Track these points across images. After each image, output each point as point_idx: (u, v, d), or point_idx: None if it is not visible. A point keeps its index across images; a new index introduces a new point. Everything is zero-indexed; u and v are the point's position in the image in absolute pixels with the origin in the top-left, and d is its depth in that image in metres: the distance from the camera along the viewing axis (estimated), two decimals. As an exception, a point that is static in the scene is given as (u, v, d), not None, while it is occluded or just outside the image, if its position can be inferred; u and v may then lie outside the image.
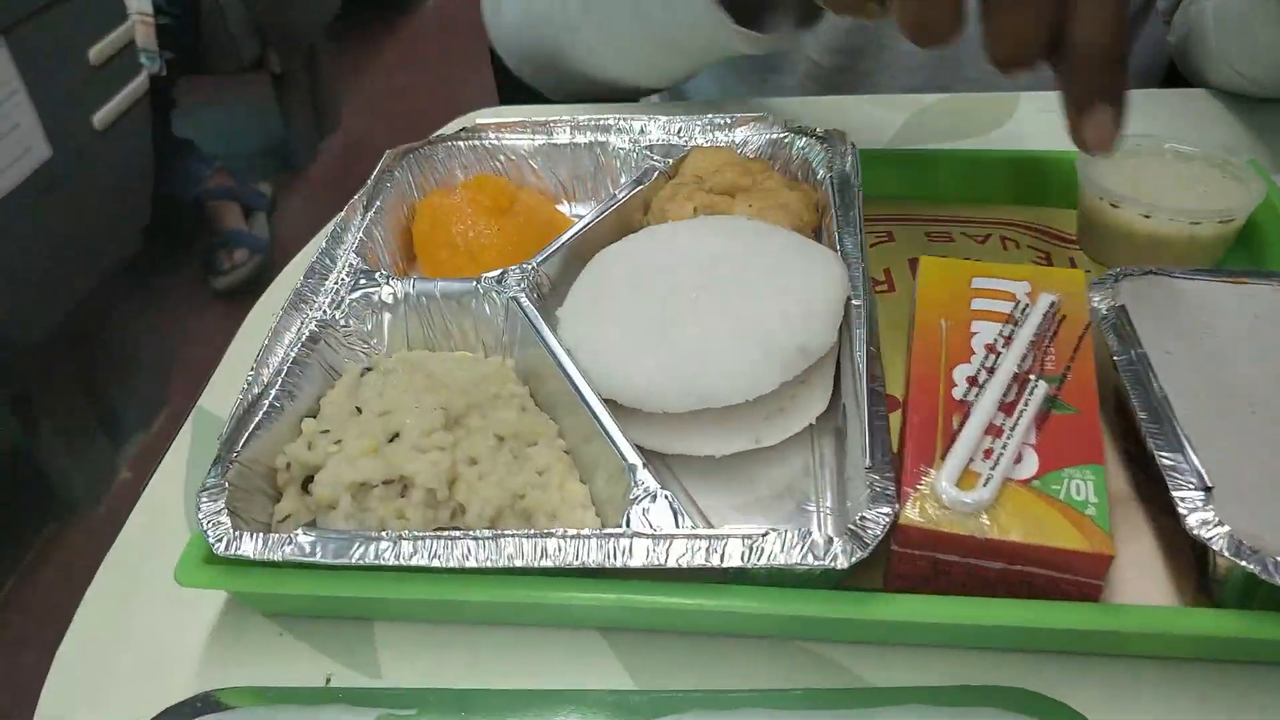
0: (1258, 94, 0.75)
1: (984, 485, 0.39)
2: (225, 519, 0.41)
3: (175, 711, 0.39)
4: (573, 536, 0.39)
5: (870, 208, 0.57)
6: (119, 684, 0.43)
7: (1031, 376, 0.44)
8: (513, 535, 0.39)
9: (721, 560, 0.38)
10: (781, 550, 0.38)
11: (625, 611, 0.41)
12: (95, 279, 1.77)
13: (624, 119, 0.66)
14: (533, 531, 0.39)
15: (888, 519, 0.39)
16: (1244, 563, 0.37)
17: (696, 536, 0.39)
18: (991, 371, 0.44)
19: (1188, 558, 0.43)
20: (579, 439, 0.47)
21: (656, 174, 0.62)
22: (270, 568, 0.41)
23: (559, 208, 0.67)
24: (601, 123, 0.66)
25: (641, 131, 0.66)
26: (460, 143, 0.66)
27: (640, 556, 0.39)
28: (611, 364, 0.47)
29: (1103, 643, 0.40)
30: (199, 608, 0.45)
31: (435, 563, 0.39)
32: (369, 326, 0.53)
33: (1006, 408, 0.43)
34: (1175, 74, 0.86)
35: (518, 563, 0.39)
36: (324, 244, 0.56)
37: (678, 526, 0.40)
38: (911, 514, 0.39)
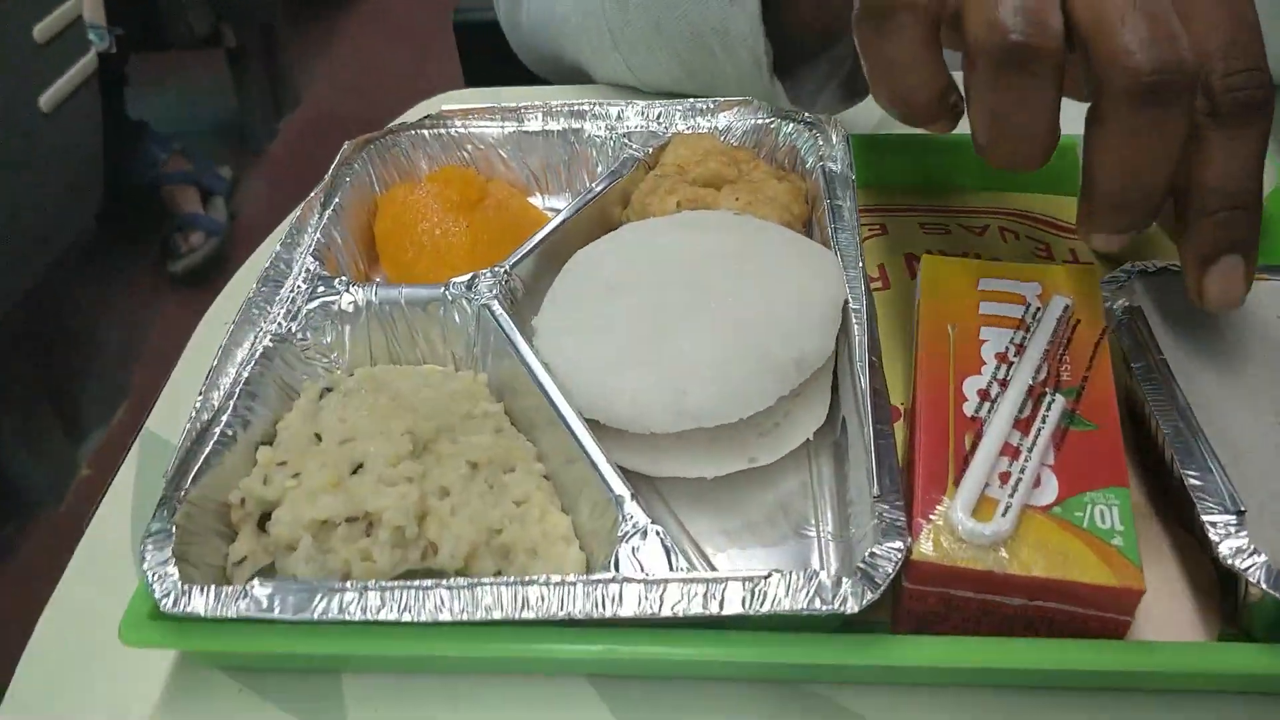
0: None
1: (1002, 515, 0.36)
2: (172, 569, 0.37)
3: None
4: (556, 584, 0.36)
5: (861, 198, 0.54)
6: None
7: (1047, 390, 0.41)
8: (490, 584, 0.36)
9: (721, 608, 0.35)
10: (786, 594, 0.35)
11: (615, 662, 0.38)
12: (47, 267, 1.70)
13: (599, 104, 0.62)
14: (512, 579, 0.36)
15: (900, 555, 0.36)
16: (1285, 596, 0.34)
17: (692, 581, 0.35)
18: (1004, 384, 0.41)
19: (1210, 578, 0.40)
20: (560, 460, 0.44)
21: (635, 164, 0.58)
22: (225, 624, 0.37)
23: (531, 200, 0.63)
24: (576, 108, 0.62)
25: (618, 118, 0.62)
26: (424, 131, 0.62)
27: (631, 605, 0.35)
28: (592, 381, 0.44)
29: (1130, 680, 0.37)
30: (150, 662, 0.41)
31: (406, 616, 0.35)
32: (329, 339, 0.49)
33: (1022, 425, 0.40)
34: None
35: (496, 614, 0.35)
36: (278, 248, 0.52)
37: (671, 568, 0.37)
38: (925, 548, 0.36)
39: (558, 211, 0.55)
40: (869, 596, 0.35)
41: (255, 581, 0.37)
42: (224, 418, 0.43)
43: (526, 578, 0.36)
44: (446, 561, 0.40)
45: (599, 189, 0.56)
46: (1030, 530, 0.36)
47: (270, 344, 0.47)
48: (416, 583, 0.36)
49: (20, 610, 0.45)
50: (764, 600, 0.35)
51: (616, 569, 0.37)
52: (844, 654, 0.36)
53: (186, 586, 0.37)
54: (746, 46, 0.63)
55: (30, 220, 1.62)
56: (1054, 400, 0.40)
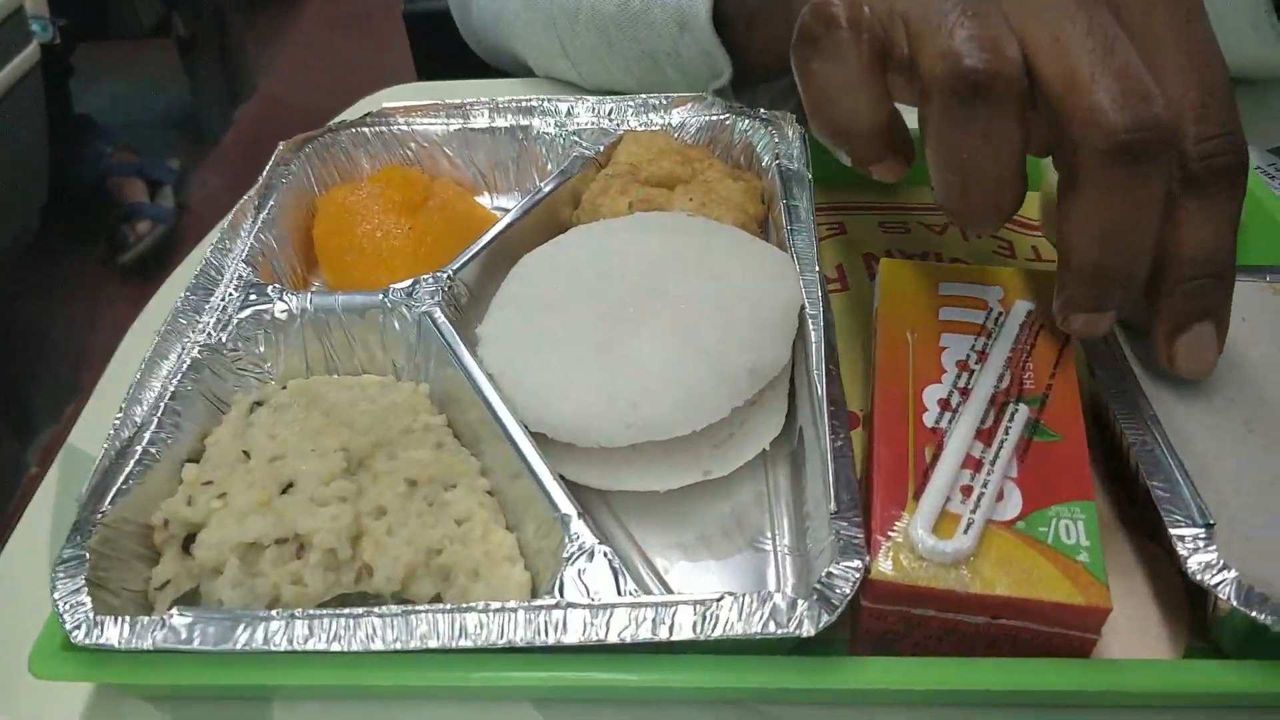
0: None
1: (964, 532, 0.35)
2: (85, 599, 0.35)
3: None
4: (496, 610, 0.34)
5: (818, 195, 0.52)
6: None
7: (1010, 399, 0.39)
8: (425, 611, 0.34)
9: (671, 633, 0.33)
10: (740, 618, 0.33)
11: (560, 689, 0.36)
12: (-9, 263, 1.66)
13: (548, 100, 0.60)
14: (449, 606, 0.34)
15: (857, 575, 0.34)
16: (1255, 613, 0.33)
17: (641, 605, 0.33)
18: (965, 393, 0.40)
19: (1179, 591, 0.39)
20: (505, 475, 0.42)
21: (586, 162, 0.56)
22: (141, 655, 0.34)
23: (479, 199, 0.61)
24: (524, 104, 0.60)
25: (568, 114, 0.60)
26: (365, 129, 0.60)
27: (576, 632, 0.33)
28: (540, 392, 0.42)
29: (1098, 698, 0.36)
30: (67, 689, 0.38)
31: (336, 646, 0.33)
32: (261, 349, 0.47)
33: (984, 435, 0.38)
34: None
35: (432, 643, 0.33)
36: (208, 253, 0.49)
37: (619, 591, 0.35)
38: (884, 567, 0.34)
39: (506, 211, 0.53)
40: (825, 619, 0.33)
41: (174, 610, 0.34)
42: (147, 434, 0.41)
43: (464, 605, 0.34)
44: (382, 585, 0.37)
45: (548, 189, 0.54)
46: (993, 547, 0.35)
47: (199, 355, 0.45)
48: (347, 611, 0.34)
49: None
50: (716, 624, 0.33)
51: (561, 593, 0.35)
52: (801, 678, 0.34)
53: (99, 618, 0.34)
54: (702, 67, 0.61)
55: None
56: (1017, 410, 0.39)
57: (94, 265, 2.15)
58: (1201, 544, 0.35)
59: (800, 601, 0.33)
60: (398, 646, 0.33)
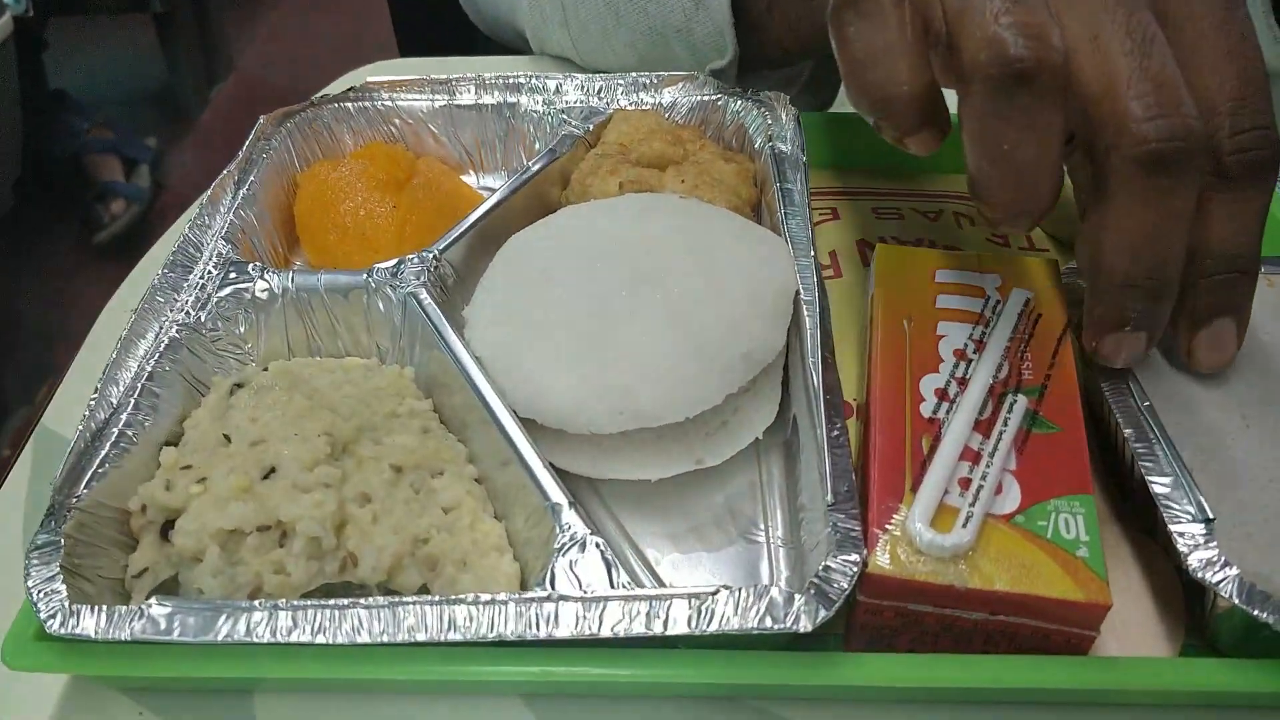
0: None
1: (963, 525, 0.34)
2: (60, 586, 0.34)
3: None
4: (486, 603, 0.33)
5: (812, 179, 0.51)
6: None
7: (1008, 389, 0.39)
8: (413, 603, 0.33)
9: (665, 627, 0.32)
10: (735, 613, 0.32)
11: (551, 684, 0.35)
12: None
13: (536, 77, 0.59)
14: (437, 598, 0.33)
15: (855, 569, 0.33)
16: (1257, 611, 0.32)
17: (635, 598, 0.33)
18: (963, 383, 0.39)
19: (1174, 587, 0.38)
20: (493, 463, 0.41)
21: (575, 142, 0.55)
22: (119, 646, 0.33)
23: (464, 178, 0.60)
24: (511, 81, 0.59)
25: (557, 91, 0.58)
26: (349, 104, 0.58)
27: (568, 625, 0.32)
28: (529, 377, 0.41)
29: (1096, 696, 0.36)
30: (41, 681, 0.37)
31: (320, 638, 0.32)
32: (241, 329, 0.46)
33: (982, 427, 0.37)
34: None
35: (420, 636, 0.32)
36: (187, 230, 0.48)
37: (612, 584, 0.34)
38: (881, 561, 0.34)
39: (493, 191, 0.52)
40: (823, 614, 0.32)
41: (153, 600, 0.33)
42: (124, 416, 0.40)
43: (453, 597, 0.33)
44: (367, 574, 0.36)
45: (536, 168, 0.53)
46: (992, 541, 0.34)
47: (177, 335, 0.43)
48: (333, 602, 0.33)
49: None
50: (711, 619, 0.32)
51: (552, 585, 0.34)
52: (797, 674, 0.33)
53: (75, 606, 0.33)
54: (712, 46, 0.60)
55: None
56: (1016, 401, 0.38)
57: (67, 244, 2.11)
58: (1202, 540, 0.34)
59: (797, 596, 0.33)
60: (385, 639, 0.32)
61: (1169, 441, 0.38)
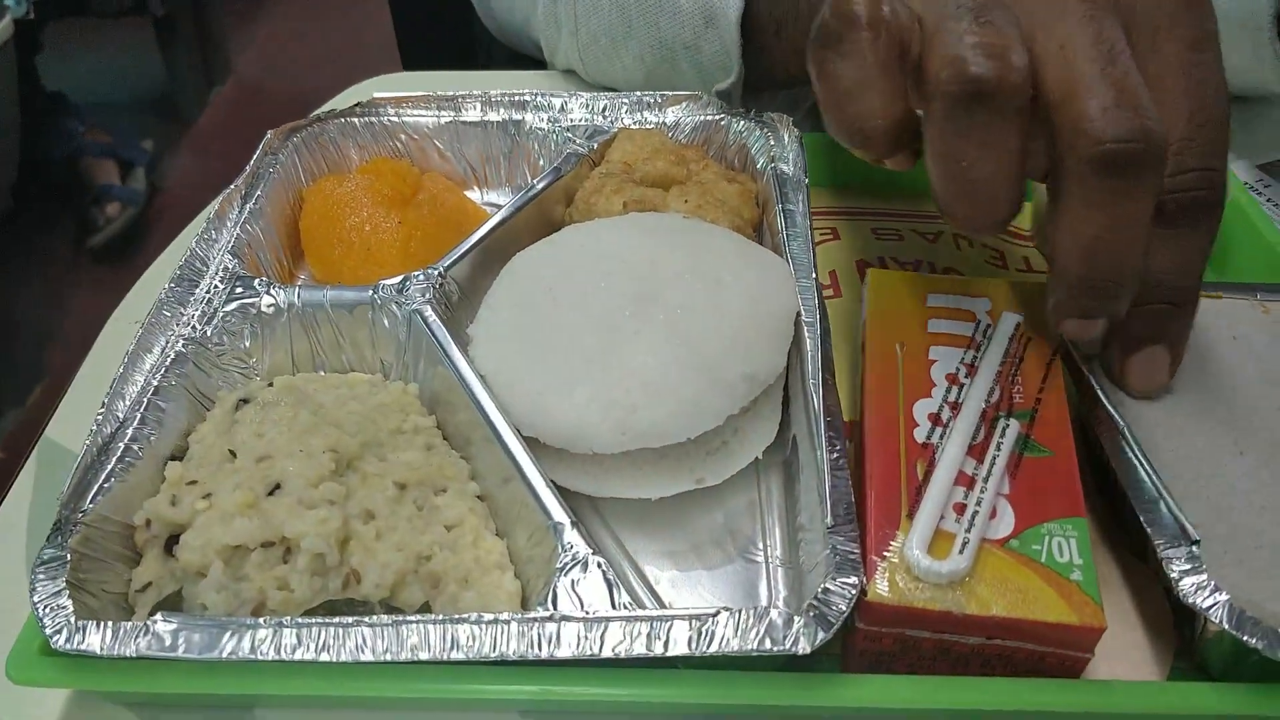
0: None
1: (959, 551, 0.34)
2: (66, 601, 0.34)
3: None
4: (488, 622, 0.33)
5: (812, 199, 0.51)
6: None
7: (1000, 413, 0.39)
8: (416, 622, 0.33)
9: (666, 649, 0.33)
10: (735, 634, 0.33)
11: (551, 703, 0.35)
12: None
13: (542, 95, 0.59)
14: (440, 617, 0.33)
15: (853, 592, 0.34)
16: (1245, 637, 0.33)
17: (636, 619, 0.33)
18: (955, 408, 0.40)
19: (1163, 610, 0.39)
20: (496, 480, 0.41)
21: (579, 160, 0.56)
22: (123, 663, 0.34)
23: (469, 194, 0.60)
24: (516, 98, 0.59)
25: (562, 109, 0.59)
26: (355, 119, 0.59)
27: (570, 645, 0.33)
28: (533, 396, 0.41)
29: (1088, 718, 0.36)
30: (43, 696, 0.37)
31: (324, 656, 0.33)
32: (247, 344, 0.46)
33: (975, 451, 0.38)
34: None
35: (423, 655, 0.33)
36: (193, 244, 0.48)
37: (614, 604, 0.34)
38: (881, 589, 0.34)
39: (497, 207, 0.52)
40: (822, 636, 0.33)
41: (158, 616, 0.34)
42: (129, 430, 0.40)
43: (456, 616, 0.33)
44: (370, 591, 0.37)
45: (541, 186, 0.53)
46: (987, 566, 0.35)
47: (183, 349, 0.44)
48: (336, 620, 0.33)
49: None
50: (712, 640, 0.33)
51: (554, 605, 0.35)
52: (796, 696, 0.34)
53: (81, 622, 0.33)
54: (718, 65, 0.61)
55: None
56: (1008, 425, 0.39)
57: (63, 246, 2.11)
58: (1192, 565, 0.35)
59: (796, 618, 0.33)
60: (388, 658, 0.33)
61: (1158, 468, 0.38)
